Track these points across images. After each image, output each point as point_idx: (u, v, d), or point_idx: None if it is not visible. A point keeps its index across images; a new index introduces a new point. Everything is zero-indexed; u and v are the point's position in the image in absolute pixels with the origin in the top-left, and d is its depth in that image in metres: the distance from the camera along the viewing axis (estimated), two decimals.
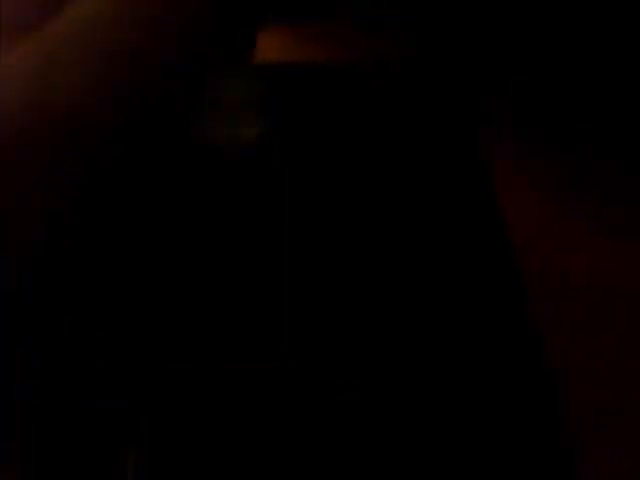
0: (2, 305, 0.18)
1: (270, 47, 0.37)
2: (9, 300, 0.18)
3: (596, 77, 0.37)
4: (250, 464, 0.20)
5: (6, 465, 0.17)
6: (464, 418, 0.22)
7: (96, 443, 0.20)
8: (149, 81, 0.19)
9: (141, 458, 0.20)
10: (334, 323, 0.23)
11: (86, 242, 0.19)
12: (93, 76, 0.18)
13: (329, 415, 0.21)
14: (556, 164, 0.34)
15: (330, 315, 0.23)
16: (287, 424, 0.21)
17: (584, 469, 0.25)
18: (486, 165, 0.28)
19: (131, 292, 0.22)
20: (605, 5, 0.37)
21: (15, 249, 0.18)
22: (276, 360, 0.21)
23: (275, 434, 0.21)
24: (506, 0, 0.38)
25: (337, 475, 0.20)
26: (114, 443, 0.20)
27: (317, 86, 0.27)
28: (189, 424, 0.21)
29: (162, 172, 0.22)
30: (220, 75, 0.21)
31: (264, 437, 0.21)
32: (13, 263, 0.19)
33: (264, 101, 0.26)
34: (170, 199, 0.23)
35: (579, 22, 0.37)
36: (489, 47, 0.36)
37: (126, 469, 0.20)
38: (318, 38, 0.38)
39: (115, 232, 0.21)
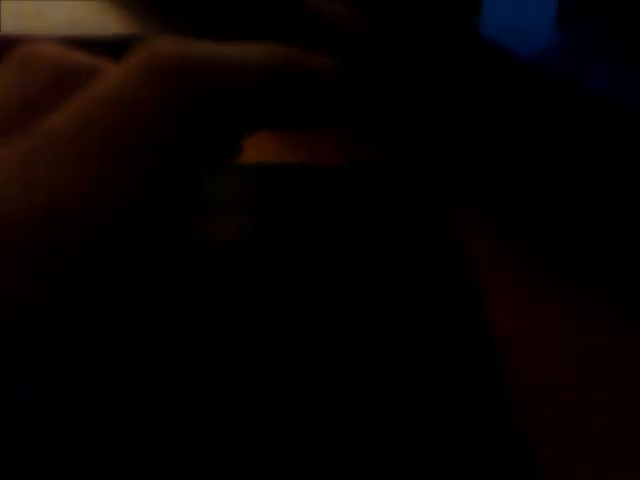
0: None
1: (262, 149, 0.39)
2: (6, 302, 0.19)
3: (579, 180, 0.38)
4: (245, 459, 0.20)
5: None
6: (458, 412, 0.22)
7: (90, 439, 0.20)
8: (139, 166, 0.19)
9: (133, 453, 0.20)
10: (329, 316, 0.23)
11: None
12: (84, 167, 0.18)
13: (325, 409, 0.21)
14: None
15: (325, 308, 0.23)
16: (282, 418, 0.20)
17: None
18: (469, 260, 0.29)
19: (122, 284, 0.22)
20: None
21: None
22: (270, 354, 0.21)
23: (270, 429, 0.20)
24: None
25: (334, 469, 0.20)
26: (106, 438, 0.20)
27: (308, 186, 0.28)
28: (182, 419, 0.20)
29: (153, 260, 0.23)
30: (208, 171, 0.22)
31: (259, 432, 0.20)
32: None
33: (256, 199, 0.27)
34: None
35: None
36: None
37: (118, 464, 0.20)
38: (310, 143, 0.40)
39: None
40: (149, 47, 0.19)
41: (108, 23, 0.40)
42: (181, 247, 0.24)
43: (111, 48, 0.38)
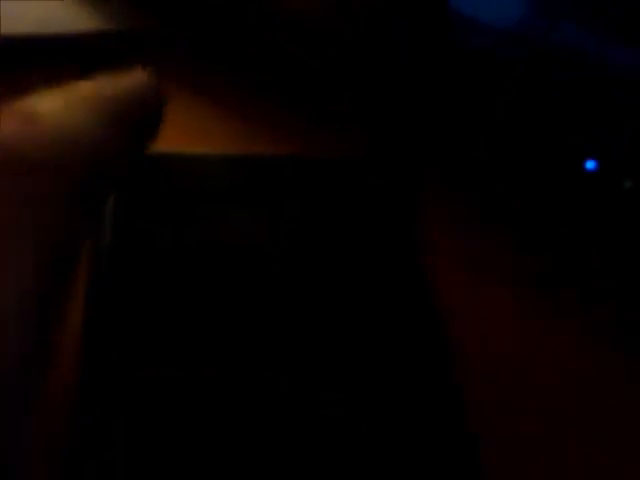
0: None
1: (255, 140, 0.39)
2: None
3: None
4: (228, 474, 0.20)
5: None
6: (446, 433, 0.22)
7: (73, 453, 0.20)
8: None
9: (114, 467, 0.20)
10: (316, 334, 0.23)
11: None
12: None
13: (312, 429, 0.21)
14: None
15: (312, 326, 0.23)
16: (268, 437, 0.20)
17: None
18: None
19: (105, 296, 0.22)
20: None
21: None
22: (256, 371, 0.22)
23: (256, 448, 0.20)
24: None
25: None
26: (88, 453, 0.20)
27: (299, 177, 0.28)
28: (164, 435, 0.20)
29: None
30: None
31: (244, 451, 0.20)
32: None
33: (249, 190, 0.27)
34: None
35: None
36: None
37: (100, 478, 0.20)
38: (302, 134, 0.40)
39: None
40: None
41: (79, 20, 0.41)
42: (162, 255, 0.24)
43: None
